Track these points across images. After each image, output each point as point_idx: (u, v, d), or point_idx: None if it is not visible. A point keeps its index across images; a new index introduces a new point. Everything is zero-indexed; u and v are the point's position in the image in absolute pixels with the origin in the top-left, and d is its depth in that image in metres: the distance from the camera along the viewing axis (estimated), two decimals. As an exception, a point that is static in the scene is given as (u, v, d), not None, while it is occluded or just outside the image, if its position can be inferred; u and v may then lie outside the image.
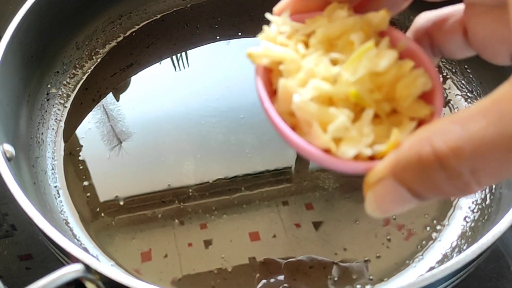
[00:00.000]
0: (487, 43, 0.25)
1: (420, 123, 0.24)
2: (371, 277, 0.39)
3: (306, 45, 0.25)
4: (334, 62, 0.24)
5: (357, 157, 0.23)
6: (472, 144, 0.19)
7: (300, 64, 0.24)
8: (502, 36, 0.24)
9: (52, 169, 0.45)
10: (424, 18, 0.27)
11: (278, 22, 0.26)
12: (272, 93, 0.25)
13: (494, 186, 0.43)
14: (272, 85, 0.25)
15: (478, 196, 0.43)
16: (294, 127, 0.24)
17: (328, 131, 0.22)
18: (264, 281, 0.39)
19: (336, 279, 0.39)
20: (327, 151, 0.23)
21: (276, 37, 0.25)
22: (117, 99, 0.49)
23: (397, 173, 0.21)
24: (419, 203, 0.22)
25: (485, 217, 0.41)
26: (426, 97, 0.24)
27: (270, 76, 0.26)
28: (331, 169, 0.23)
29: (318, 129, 0.23)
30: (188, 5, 0.55)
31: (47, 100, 0.48)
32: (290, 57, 0.24)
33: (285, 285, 0.39)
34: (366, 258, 0.40)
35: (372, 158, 0.23)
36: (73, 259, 0.32)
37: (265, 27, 0.26)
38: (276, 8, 0.27)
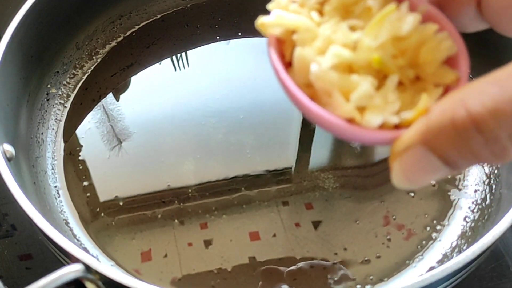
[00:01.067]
0: (502, 14, 0.22)
1: (446, 90, 0.22)
2: (371, 277, 0.39)
3: (320, 13, 0.24)
4: (352, 29, 0.23)
5: (382, 126, 0.21)
6: None
7: (316, 32, 0.23)
8: None
9: (52, 169, 0.45)
10: None
11: None
12: (286, 65, 0.24)
13: (494, 186, 0.43)
14: (284, 57, 0.24)
15: (478, 196, 0.43)
16: (312, 98, 0.23)
17: (351, 99, 0.21)
18: None
19: (336, 279, 0.39)
20: (350, 121, 0.21)
21: (288, 5, 0.24)
22: (117, 99, 0.49)
23: (428, 140, 0.19)
24: (450, 172, 0.20)
25: (485, 217, 0.41)
26: (450, 62, 0.23)
27: (282, 48, 0.24)
28: (355, 140, 0.22)
29: (340, 98, 0.21)
30: (188, 5, 0.55)
31: (47, 100, 0.48)
32: (305, 25, 0.23)
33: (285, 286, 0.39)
34: (366, 258, 0.40)
35: (398, 126, 0.21)
36: (73, 259, 0.32)
37: None
38: None
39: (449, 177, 0.44)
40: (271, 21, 0.24)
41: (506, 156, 0.19)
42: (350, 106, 0.21)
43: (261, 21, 0.24)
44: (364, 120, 0.21)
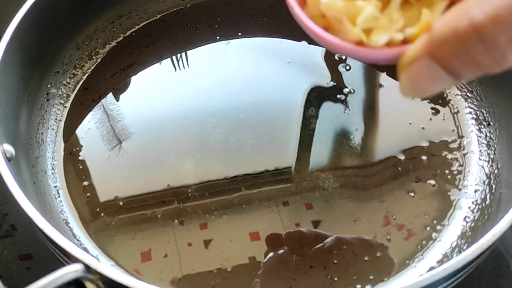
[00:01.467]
0: None
1: (451, 3, 0.23)
2: (371, 277, 0.39)
3: None
4: None
5: (389, 44, 0.23)
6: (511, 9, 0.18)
7: None
8: None
9: (52, 169, 0.45)
10: None
11: None
12: (301, 4, 0.26)
13: (494, 186, 0.43)
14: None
15: (478, 196, 0.43)
16: (327, 29, 0.25)
17: (358, 23, 0.23)
18: (271, 254, 0.40)
19: (336, 279, 0.39)
20: (359, 43, 0.23)
21: None
22: (117, 99, 0.49)
23: (433, 51, 0.21)
24: (453, 82, 0.22)
25: (485, 217, 0.41)
26: None
27: None
28: (366, 60, 0.24)
29: (347, 23, 0.23)
30: (188, 5, 0.55)
31: (47, 100, 0.48)
32: None
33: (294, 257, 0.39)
34: (366, 258, 0.40)
35: (404, 43, 0.23)
36: (73, 259, 0.32)
37: None
38: None
39: (449, 177, 0.44)
40: None
41: (505, 61, 0.20)
42: (357, 29, 0.23)
43: None
44: (371, 40, 0.23)
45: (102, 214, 0.43)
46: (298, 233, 0.41)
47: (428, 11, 0.22)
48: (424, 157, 0.45)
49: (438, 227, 0.42)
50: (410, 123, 0.47)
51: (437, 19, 0.21)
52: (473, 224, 0.41)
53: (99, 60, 0.51)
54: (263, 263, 0.40)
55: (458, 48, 0.20)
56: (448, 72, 0.21)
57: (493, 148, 0.45)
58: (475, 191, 0.43)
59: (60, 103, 0.49)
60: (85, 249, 0.41)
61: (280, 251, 0.40)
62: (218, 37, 0.53)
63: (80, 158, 0.46)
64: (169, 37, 0.53)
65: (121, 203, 0.43)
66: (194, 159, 0.45)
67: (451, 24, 0.20)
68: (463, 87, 0.48)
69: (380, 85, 0.49)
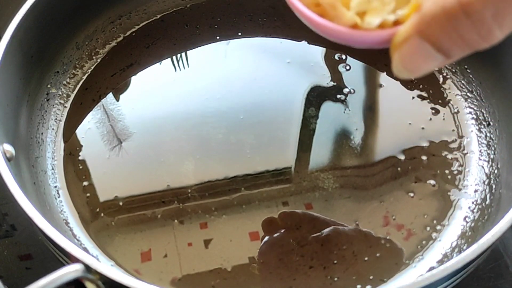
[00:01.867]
0: None
1: None
2: (371, 277, 0.39)
3: None
4: None
5: (382, 26, 0.24)
6: None
7: None
8: None
9: (52, 169, 0.45)
10: None
11: None
12: None
13: (494, 186, 0.43)
14: None
15: (478, 196, 0.43)
16: (321, 16, 0.26)
17: (351, 7, 0.24)
18: (267, 237, 0.40)
19: (336, 279, 0.39)
20: (354, 27, 0.24)
21: None
22: (117, 99, 0.49)
23: (422, 30, 0.22)
24: (444, 60, 0.22)
25: (485, 217, 0.41)
26: None
27: None
28: (361, 43, 0.25)
29: (341, 8, 0.24)
30: (188, 5, 0.55)
31: (47, 100, 0.48)
32: None
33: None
34: (366, 258, 0.40)
35: (396, 24, 0.24)
36: (73, 259, 0.32)
37: None
38: None
39: (449, 177, 0.44)
40: None
41: (491, 37, 0.21)
42: (351, 13, 0.24)
43: None
44: (365, 23, 0.24)
45: (102, 214, 0.43)
46: (292, 213, 0.41)
47: None
48: (424, 157, 0.45)
49: (438, 227, 0.42)
50: (410, 123, 0.47)
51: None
52: (473, 224, 0.41)
53: (99, 60, 0.52)
54: (259, 248, 0.40)
55: (446, 26, 0.21)
56: (437, 49, 0.22)
57: (493, 148, 0.45)
58: (475, 191, 0.43)
59: (60, 103, 0.49)
60: (85, 249, 0.41)
61: (276, 234, 0.41)
62: (218, 37, 0.53)
63: (80, 158, 0.46)
64: (169, 37, 0.53)
65: (121, 203, 0.43)
66: (194, 159, 0.45)
67: (439, 3, 0.21)
68: (463, 87, 0.48)
69: (380, 85, 0.49)
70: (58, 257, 0.36)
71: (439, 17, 0.21)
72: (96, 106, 0.49)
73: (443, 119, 0.47)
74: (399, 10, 0.24)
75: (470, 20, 0.20)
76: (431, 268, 0.40)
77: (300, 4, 0.26)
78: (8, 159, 0.37)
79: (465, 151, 0.45)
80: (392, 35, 0.24)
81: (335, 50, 0.50)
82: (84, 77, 0.50)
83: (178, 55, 0.52)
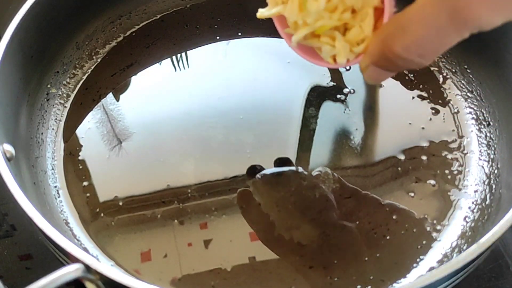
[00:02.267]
0: None
1: (376, 10, 0.32)
2: (371, 277, 0.39)
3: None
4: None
5: (348, 60, 0.34)
6: (416, 43, 0.29)
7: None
8: None
9: (52, 169, 0.45)
10: None
11: None
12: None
13: (494, 186, 0.43)
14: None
15: (478, 196, 0.43)
16: (316, 51, 0.35)
17: (322, 54, 0.34)
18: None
19: (336, 279, 0.39)
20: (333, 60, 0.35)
21: None
22: (117, 99, 0.49)
23: (374, 62, 0.32)
24: (394, 73, 0.34)
25: (485, 217, 0.41)
26: None
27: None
28: (336, 67, 0.42)
29: (323, 52, 0.34)
30: (188, 5, 0.55)
31: (47, 100, 0.48)
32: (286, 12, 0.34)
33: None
34: (366, 258, 0.40)
35: (358, 55, 0.34)
36: (73, 259, 0.32)
37: None
38: None
39: (449, 177, 0.44)
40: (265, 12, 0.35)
41: (422, 64, 0.30)
42: (328, 57, 0.35)
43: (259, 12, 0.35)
44: (338, 62, 0.34)
45: (102, 214, 0.43)
46: (293, 213, 0.42)
47: (365, 32, 0.32)
48: (424, 157, 0.45)
49: (438, 227, 0.42)
50: (410, 123, 0.47)
51: (372, 42, 0.32)
52: (473, 224, 0.41)
53: (99, 60, 0.52)
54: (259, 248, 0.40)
55: (388, 62, 0.31)
56: (387, 70, 0.32)
57: (493, 148, 0.45)
58: (475, 191, 0.43)
59: (60, 103, 0.49)
60: (85, 249, 0.41)
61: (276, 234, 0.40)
62: (218, 37, 0.53)
63: (80, 158, 0.46)
64: (169, 37, 0.53)
65: (121, 203, 0.43)
66: (194, 159, 0.45)
67: (381, 51, 0.31)
68: (463, 87, 0.48)
69: (380, 85, 0.49)
70: (58, 257, 0.36)
71: (383, 58, 0.31)
72: (96, 106, 0.49)
73: (443, 119, 0.47)
74: (356, 48, 0.33)
75: (403, 60, 0.30)
76: (431, 268, 0.40)
77: (291, 43, 0.35)
78: (8, 159, 0.37)
79: (465, 151, 0.45)
80: (357, 63, 0.34)
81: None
82: (84, 77, 0.50)
83: (178, 55, 0.52)
